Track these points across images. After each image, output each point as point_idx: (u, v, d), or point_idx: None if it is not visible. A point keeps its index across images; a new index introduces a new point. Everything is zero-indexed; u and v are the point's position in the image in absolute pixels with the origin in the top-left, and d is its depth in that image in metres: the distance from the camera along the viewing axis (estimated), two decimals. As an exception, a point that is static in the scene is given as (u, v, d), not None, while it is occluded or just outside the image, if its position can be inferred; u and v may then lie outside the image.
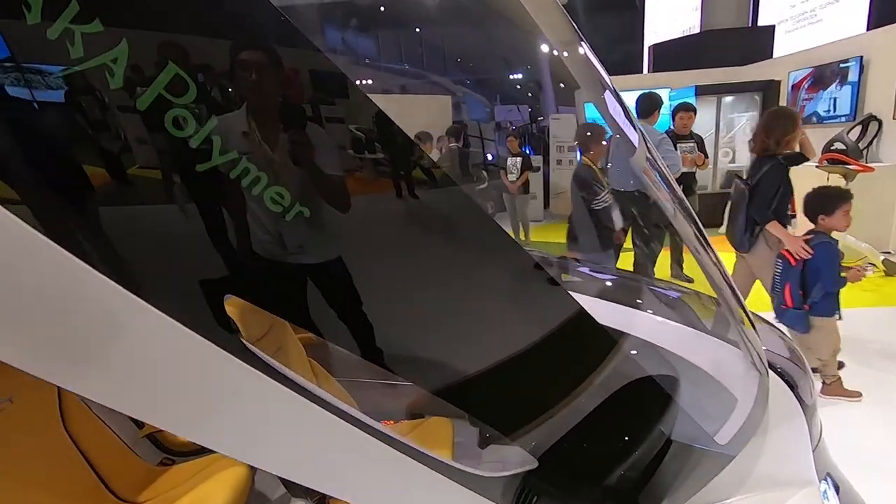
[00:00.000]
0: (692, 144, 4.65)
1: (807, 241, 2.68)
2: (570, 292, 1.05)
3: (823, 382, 2.83)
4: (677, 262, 2.86)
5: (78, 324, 0.48)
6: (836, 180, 4.97)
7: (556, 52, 1.21)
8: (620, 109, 1.30)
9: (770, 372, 1.27)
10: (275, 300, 0.69)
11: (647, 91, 4.33)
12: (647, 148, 1.38)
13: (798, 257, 2.66)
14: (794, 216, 3.06)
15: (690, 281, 1.80)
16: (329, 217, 0.67)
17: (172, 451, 1.82)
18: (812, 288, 2.66)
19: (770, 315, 2.82)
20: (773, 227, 2.84)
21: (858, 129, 6.14)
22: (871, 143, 6.10)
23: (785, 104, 7.38)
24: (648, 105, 4.04)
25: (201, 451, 1.75)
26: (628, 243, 1.88)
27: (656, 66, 10.52)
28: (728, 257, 3.34)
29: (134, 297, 0.49)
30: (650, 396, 1.14)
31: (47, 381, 0.48)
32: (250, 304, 0.65)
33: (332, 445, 0.65)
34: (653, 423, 1.09)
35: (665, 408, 1.12)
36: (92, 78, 0.47)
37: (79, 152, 0.52)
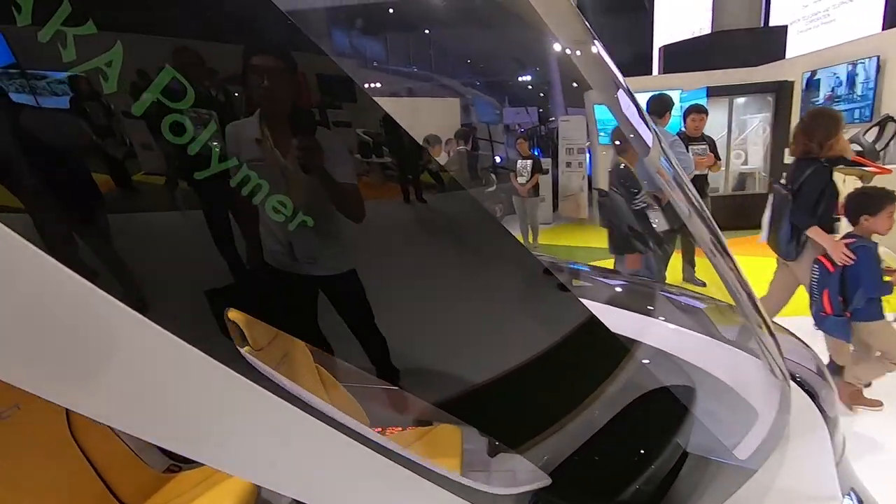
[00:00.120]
0: (704, 146, 4.59)
1: (846, 246, 2.58)
2: (587, 301, 1.02)
3: (848, 384, 2.75)
4: (690, 262, 2.80)
5: (72, 338, 0.46)
6: (853, 182, 4.87)
7: (567, 52, 1.18)
8: (634, 109, 1.27)
9: (791, 383, 1.22)
10: (275, 313, 0.67)
11: (657, 93, 4.28)
12: (662, 148, 1.35)
13: (838, 263, 2.56)
14: (838, 219, 2.94)
15: (703, 284, 1.76)
16: (335, 226, 0.65)
17: (179, 458, 1.81)
18: (852, 294, 2.56)
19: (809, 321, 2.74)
20: (814, 233, 2.72)
21: (875, 130, 6.03)
22: (888, 144, 5.98)
23: (799, 106, 7.28)
24: (659, 107, 4.00)
25: (208, 458, 1.74)
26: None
27: (666, 68, 10.43)
28: (763, 262, 3.22)
29: (131, 311, 0.47)
30: (666, 408, 1.10)
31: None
32: (254, 314, 0.63)
33: (335, 463, 0.63)
34: (670, 436, 1.05)
35: (682, 420, 1.08)
36: (85, 82, 0.45)
37: (72, 160, 0.50)
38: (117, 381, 0.48)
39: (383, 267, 0.73)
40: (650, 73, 11.64)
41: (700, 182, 4.63)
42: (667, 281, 2.33)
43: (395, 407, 1.65)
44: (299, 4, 0.65)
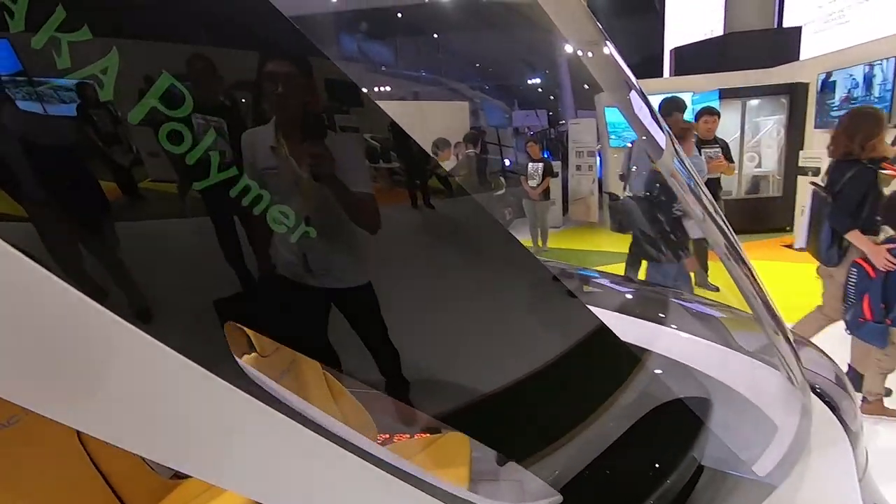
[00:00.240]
0: (717, 149, 4.53)
1: (889, 251, 2.48)
2: (598, 309, 0.99)
3: (864, 399, 2.69)
4: (703, 267, 2.74)
5: (63, 352, 0.44)
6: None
7: (578, 54, 1.16)
8: (647, 111, 1.25)
9: (811, 395, 1.18)
10: (277, 327, 0.65)
11: (669, 95, 4.24)
12: (675, 150, 1.32)
13: (881, 269, 2.47)
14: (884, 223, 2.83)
15: (716, 289, 1.71)
16: (341, 237, 0.63)
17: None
18: (895, 300, 2.46)
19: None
20: (853, 237, 2.61)
21: (893, 132, 5.91)
22: (906, 146, 5.86)
23: (814, 108, 7.16)
24: (671, 109, 3.95)
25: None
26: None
27: (678, 70, 10.33)
28: (802, 268, 3.06)
29: (125, 324, 0.45)
30: (681, 421, 1.07)
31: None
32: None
33: (340, 481, 0.61)
34: (685, 449, 1.02)
35: (697, 433, 1.05)
36: (80, 90, 0.44)
37: (68, 171, 0.49)
38: (109, 398, 0.46)
39: (392, 277, 0.71)
40: (661, 75, 11.54)
41: (713, 185, 4.57)
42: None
43: (404, 415, 1.63)
44: (303, 8, 0.63)
